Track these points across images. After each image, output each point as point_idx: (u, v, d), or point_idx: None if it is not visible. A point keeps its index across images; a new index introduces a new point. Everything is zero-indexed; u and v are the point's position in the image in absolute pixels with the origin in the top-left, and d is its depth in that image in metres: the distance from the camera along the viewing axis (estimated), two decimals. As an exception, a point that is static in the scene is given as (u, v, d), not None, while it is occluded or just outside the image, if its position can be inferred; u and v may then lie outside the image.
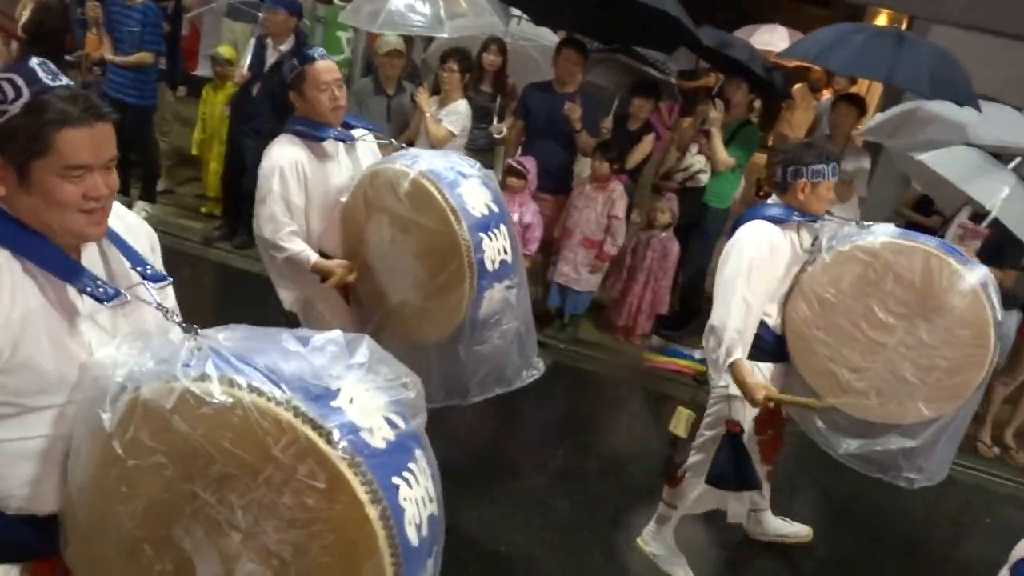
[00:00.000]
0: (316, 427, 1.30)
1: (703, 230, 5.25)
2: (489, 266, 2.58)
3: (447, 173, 2.59)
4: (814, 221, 2.90)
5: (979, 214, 4.30)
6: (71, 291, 1.50)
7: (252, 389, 1.31)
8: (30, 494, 1.52)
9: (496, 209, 2.65)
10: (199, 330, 1.44)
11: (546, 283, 5.37)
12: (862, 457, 2.92)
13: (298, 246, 2.86)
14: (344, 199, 2.89)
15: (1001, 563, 2.02)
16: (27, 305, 1.44)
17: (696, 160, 5.09)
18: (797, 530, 3.62)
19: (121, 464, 1.38)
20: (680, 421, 3.03)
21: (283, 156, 2.83)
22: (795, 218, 2.86)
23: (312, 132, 2.87)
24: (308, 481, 1.30)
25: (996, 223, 4.16)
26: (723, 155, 4.99)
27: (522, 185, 4.85)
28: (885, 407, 2.83)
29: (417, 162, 2.62)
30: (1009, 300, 5.20)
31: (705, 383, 4.91)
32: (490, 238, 2.59)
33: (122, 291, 1.51)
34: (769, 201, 3.03)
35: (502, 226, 2.64)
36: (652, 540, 3.33)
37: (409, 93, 5.14)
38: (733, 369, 2.74)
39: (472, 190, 2.60)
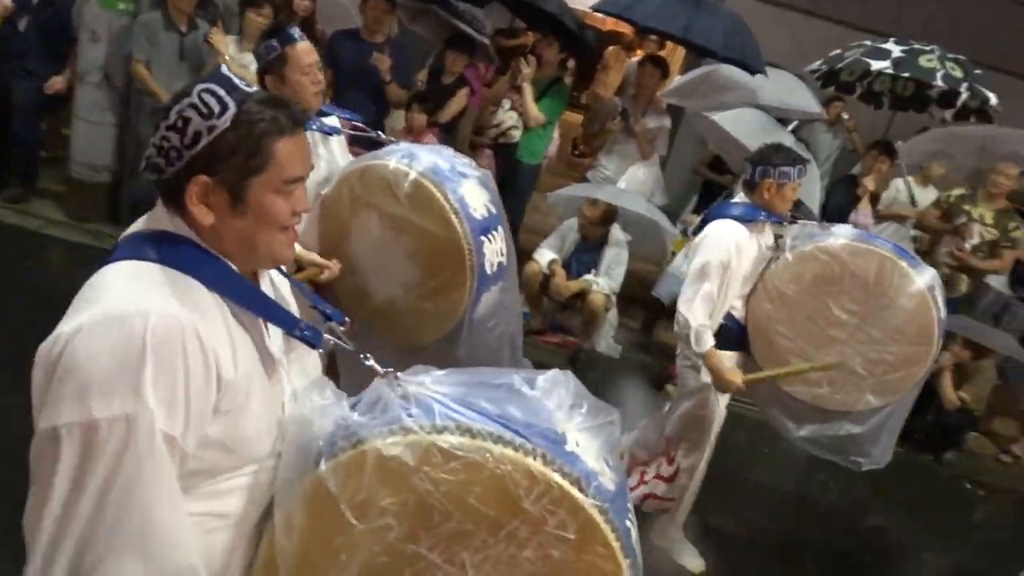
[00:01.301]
0: (566, 475, 1.21)
1: (516, 187, 5.31)
2: (488, 269, 2.53)
3: (448, 173, 2.49)
4: (780, 221, 3.00)
5: (764, 172, 4.66)
6: (267, 337, 1.30)
7: (497, 439, 1.21)
8: (220, 568, 1.28)
9: (494, 211, 2.59)
10: (398, 375, 1.29)
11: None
12: (814, 441, 3.13)
13: None
14: (325, 192, 2.71)
15: (783, 488, 2.20)
16: (247, 359, 1.23)
17: (508, 116, 5.12)
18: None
19: (349, 530, 1.22)
20: None
21: None
22: (761, 217, 2.95)
23: None
24: (557, 532, 1.21)
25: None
26: (534, 111, 5.06)
27: (331, 137, 4.67)
28: (836, 396, 3.02)
29: (416, 160, 2.49)
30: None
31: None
32: (489, 241, 2.53)
33: (323, 334, 1.36)
34: (735, 199, 3.13)
35: (500, 228, 2.59)
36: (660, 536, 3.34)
37: (203, 32, 4.76)
38: (707, 359, 2.87)
39: (472, 191, 2.52)
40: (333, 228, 2.73)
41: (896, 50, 5.03)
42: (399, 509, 1.22)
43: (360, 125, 2.95)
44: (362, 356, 1.38)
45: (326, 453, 1.23)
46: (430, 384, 1.27)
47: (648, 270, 5.95)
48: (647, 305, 5.56)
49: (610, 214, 4.91)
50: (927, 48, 5.06)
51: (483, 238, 2.50)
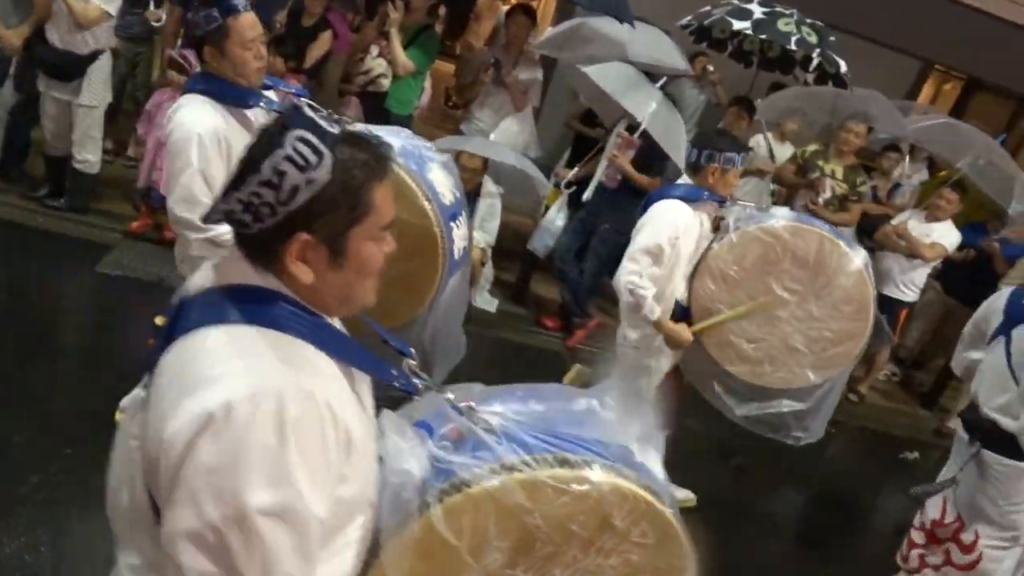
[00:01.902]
0: (646, 488, 1.33)
1: (386, 137, 5.15)
2: (456, 255, 2.53)
3: (416, 158, 2.46)
4: (722, 203, 3.04)
5: (633, 126, 4.72)
6: (358, 386, 1.24)
7: (591, 464, 1.29)
8: None
9: (459, 195, 2.59)
10: (473, 405, 1.32)
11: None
12: (756, 419, 3.18)
13: (221, 227, 2.43)
14: None
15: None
16: (362, 419, 1.19)
17: (376, 63, 4.93)
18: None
19: (464, 570, 1.26)
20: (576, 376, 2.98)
21: (200, 123, 2.42)
22: (704, 197, 2.99)
23: (237, 97, 2.50)
24: (640, 540, 1.34)
25: (646, 134, 4.59)
26: (402, 58, 4.89)
27: (184, 80, 4.34)
28: (777, 374, 3.08)
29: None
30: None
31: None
32: (456, 226, 2.53)
33: (413, 379, 1.35)
34: (680, 181, 3.15)
35: (464, 213, 2.59)
36: None
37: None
38: (657, 324, 3.00)
39: (439, 176, 2.51)
40: None
41: (758, 11, 5.16)
42: (509, 544, 1.28)
43: (309, 101, 2.74)
44: (438, 391, 1.37)
45: (432, 497, 1.24)
46: (508, 414, 1.33)
47: (522, 223, 5.96)
48: (522, 258, 5.57)
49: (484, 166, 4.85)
50: (787, 12, 5.22)
51: (452, 224, 2.51)
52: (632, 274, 2.96)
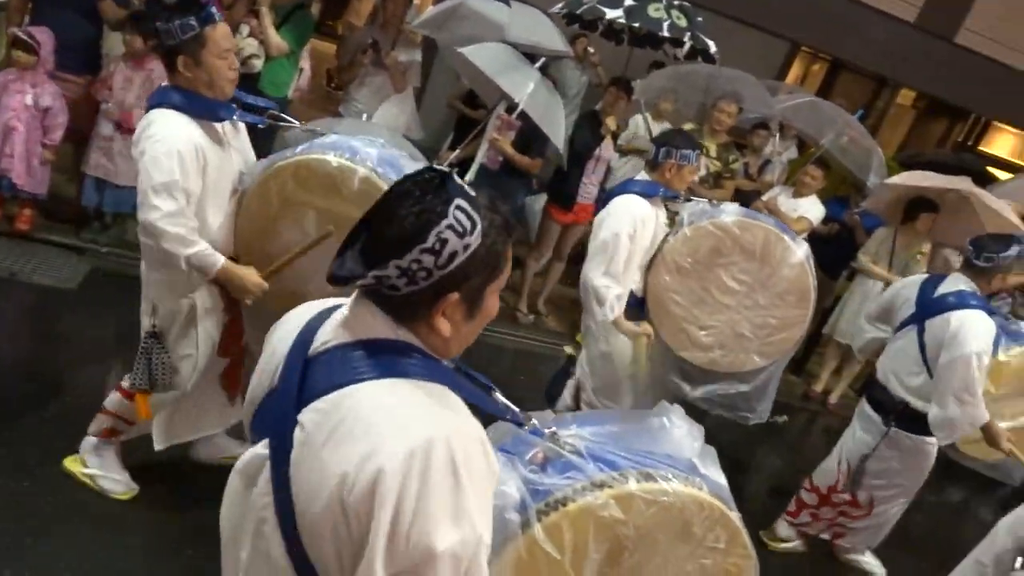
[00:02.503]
0: (718, 497, 1.49)
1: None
2: None
3: (394, 166, 2.52)
4: (676, 198, 3.26)
5: (513, 107, 4.73)
6: None
7: (670, 478, 1.44)
8: None
9: None
10: (556, 430, 1.46)
11: (80, 177, 4.66)
12: (709, 400, 3.44)
13: (203, 245, 2.46)
14: (243, 189, 2.60)
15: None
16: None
17: (247, 43, 4.74)
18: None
19: None
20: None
21: (178, 137, 2.37)
22: (661, 193, 3.18)
23: (209, 110, 2.46)
24: (712, 545, 1.49)
25: (526, 115, 4.61)
26: (275, 38, 4.73)
27: (32, 61, 4.08)
28: (726, 359, 3.33)
29: (357, 154, 2.49)
30: (540, 186, 5.93)
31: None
32: None
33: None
34: (638, 176, 3.30)
35: None
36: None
37: None
38: (617, 323, 3.15)
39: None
40: (255, 228, 2.59)
41: (628, -1, 5.29)
42: (600, 556, 1.41)
43: (279, 114, 2.79)
44: (518, 420, 1.47)
45: (532, 516, 1.37)
46: (587, 435, 1.47)
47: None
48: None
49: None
50: (656, -5, 5.36)
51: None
52: (596, 273, 3.12)
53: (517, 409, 1.49)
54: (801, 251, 3.30)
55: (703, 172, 5.50)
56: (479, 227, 1.15)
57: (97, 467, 2.91)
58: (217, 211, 2.57)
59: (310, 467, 1.11)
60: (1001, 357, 3.38)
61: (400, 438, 1.08)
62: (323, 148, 2.53)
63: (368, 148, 2.55)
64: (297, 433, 1.14)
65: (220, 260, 2.51)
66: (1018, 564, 2.15)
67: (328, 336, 1.20)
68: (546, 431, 1.46)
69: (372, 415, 1.10)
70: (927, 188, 5.00)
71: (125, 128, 4.41)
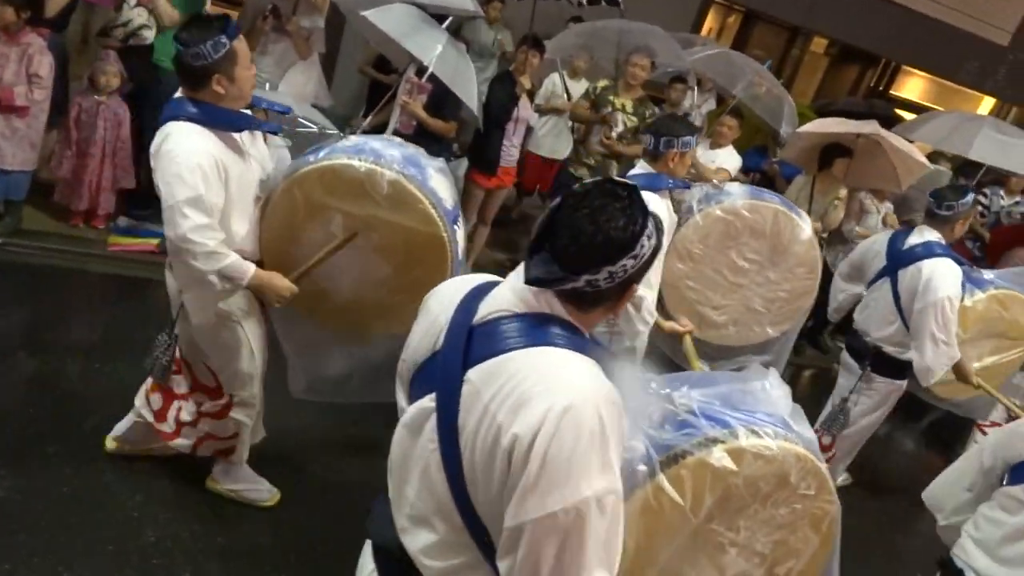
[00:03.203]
0: (811, 451, 1.68)
1: (158, 96, 4.72)
2: (459, 255, 2.66)
3: (416, 167, 2.57)
4: (686, 187, 3.26)
5: (422, 70, 4.61)
6: None
7: (773, 435, 1.64)
8: None
9: (455, 198, 2.74)
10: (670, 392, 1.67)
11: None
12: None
13: (233, 256, 2.45)
14: (268, 196, 2.61)
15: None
16: None
17: (136, 14, 4.49)
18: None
19: (685, 526, 1.60)
20: None
21: (198, 151, 2.34)
22: (669, 184, 3.12)
23: (229, 122, 2.44)
24: (804, 492, 1.68)
25: (435, 78, 4.50)
26: (165, 7, 4.48)
27: None
28: (740, 333, 3.46)
29: (382, 157, 2.52)
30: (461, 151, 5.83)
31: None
32: (457, 228, 2.65)
33: None
34: (639, 170, 3.18)
35: (461, 215, 2.74)
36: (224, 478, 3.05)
37: None
38: (658, 325, 3.17)
39: (439, 182, 2.63)
40: (280, 233, 2.61)
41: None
42: (712, 502, 1.60)
43: (298, 118, 2.84)
44: (643, 383, 1.72)
45: (656, 467, 1.56)
46: (697, 396, 1.66)
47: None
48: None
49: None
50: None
51: (454, 227, 2.62)
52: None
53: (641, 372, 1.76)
54: (808, 227, 3.41)
55: (620, 128, 5.49)
56: (654, 229, 1.35)
57: (233, 483, 3.00)
58: (242, 220, 2.56)
59: (479, 420, 1.28)
60: (967, 302, 3.60)
61: (557, 396, 1.23)
62: (347, 152, 2.55)
63: (391, 150, 2.59)
64: (465, 389, 1.31)
65: (251, 269, 2.52)
66: (1005, 482, 2.31)
67: (492, 308, 1.37)
68: (663, 392, 1.67)
69: (533, 377, 1.26)
70: (839, 134, 5.08)
71: (5, 106, 4.13)
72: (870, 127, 4.92)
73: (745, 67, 5.84)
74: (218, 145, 2.41)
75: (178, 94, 2.46)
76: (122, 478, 2.98)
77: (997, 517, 2.29)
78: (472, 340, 1.34)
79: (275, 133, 2.69)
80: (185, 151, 2.33)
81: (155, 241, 4.73)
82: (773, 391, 1.76)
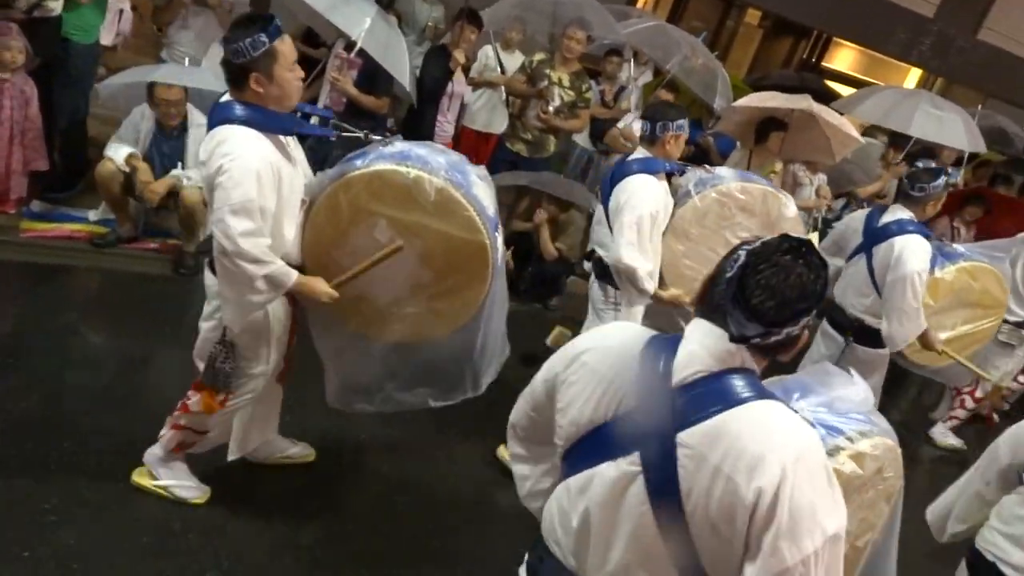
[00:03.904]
0: (894, 439, 1.93)
1: (70, 70, 4.48)
2: (499, 262, 2.69)
3: (460, 174, 2.61)
4: (682, 171, 3.49)
5: (351, 45, 4.46)
6: None
7: (873, 432, 1.88)
8: None
9: (496, 205, 2.77)
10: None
11: None
12: None
13: (278, 263, 2.47)
14: (312, 199, 2.62)
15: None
16: None
17: (41, -17, 4.21)
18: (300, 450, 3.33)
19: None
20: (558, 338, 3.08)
21: (255, 156, 2.36)
22: (667, 168, 3.34)
23: (280, 125, 2.47)
24: (886, 475, 1.91)
25: (364, 53, 4.36)
26: (73, -23, 4.22)
27: None
28: None
29: (427, 164, 2.56)
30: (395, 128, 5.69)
31: (105, 245, 4.47)
32: (497, 235, 2.68)
33: None
34: (638, 155, 3.38)
35: (500, 222, 2.78)
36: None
37: None
38: (656, 296, 3.35)
39: (482, 189, 2.67)
40: (324, 237, 2.63)
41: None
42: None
43: (341, 123, 2.85)
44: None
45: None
46: (806, 406, 1.83)
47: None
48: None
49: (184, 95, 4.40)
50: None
51: (496, 233, 2.67)
52: (628, 252, 3.23)
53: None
54: (793, 205, 3.67)
55: (557, 102, 5.42)
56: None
57: (169, 478, 2.89)
58: (291, 223, 2.58)
59: (711, 480, 1.35)
60: (937, 274, 3.90)
61: (787, 449, 1.33)
62: (393, 159, 2.57)
63: (437, 157, 2.62)
64: (682, 452, 1.37)
65: (294, 275, 2.53)
66: None
67: (689, 370, 1.42)
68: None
69: (759, 435, 1.34)
70: (774, 108, 5.12)
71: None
72: (804, 102, 4.97)
73: (680, 41, 5.82)
74: (272, 150, 2.42)
75: (224, 97, 2.46)
76: (37, 480, 2.83)
77: None
78: (675, 403, 1.40)
79: (329, 138, 2.72)
80: (242, 156, 2.34)
81: (71, 226, 4.51)
82: (861, 391, 1.94)
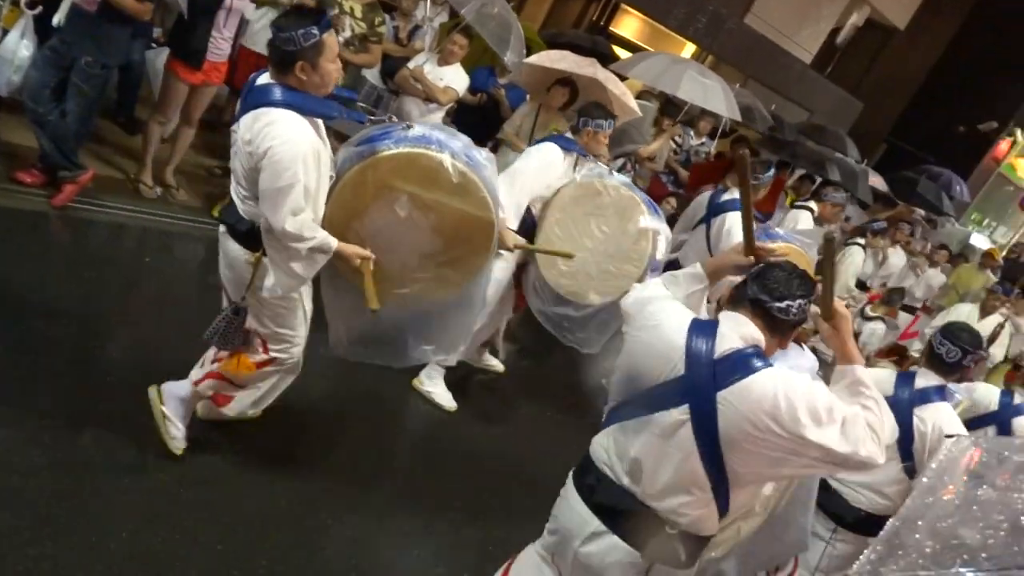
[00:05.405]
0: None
1: None
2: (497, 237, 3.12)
3: (476, 157, 2.92)
4: (585, 156, 4.11)
5: None
6: None
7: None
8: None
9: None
10: None
11: None
12: (543, 314, 4.11)
13: (320, 232, 2.69)
14: (339, 175, 2.81)
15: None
16: None
17: None
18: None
19: None
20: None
21: (303, 141, 2.56)
22: (575, 151, 4.08)
23: (320, 109, 2.65)
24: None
25: None
26: None
27: None
28: (570, 288, 3.93)
29: (447, 147, 2.84)
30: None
31: None
32: (500, 213, 3.09)
33: None
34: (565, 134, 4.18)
35: (500, 201, 3.12)
36: None
37: None
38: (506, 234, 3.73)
39: (492, 172, 3.00)
40: (346, 209, 2.82)
41: None
42: None
43: (368, 107, 2.93)
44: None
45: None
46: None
47: None
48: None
49: None
50: None
51: (499, 211, 3.04)
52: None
53: None
54: (647, 220, 3.84)
55: (348, 33, 5.13)
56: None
57: (173, 413, 3.02)
58: (323, 197, 2.76)
59: (739, 423, 1.96)
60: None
61: (779, 388, 1.94)
62: (419, 142, 2.82)
63: (453, 141, 2.89)
64: (722, 405, 1.98)
65: (334, 242, 2.73)
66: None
67: (726, 346, 2.01)
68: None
69: (770, 392, 1.94)
70: (563, 71, 5.23)
71: None
72: (592, 68, 5.14)
73: (479, -13, 5.70)
74: (313, 132, 2.61)
75: (262, 79, 2.61)
76: None
77: None
78: (716, 370, 1.99)
79: (361, 122, 2.91)
80: (292, 140, 2.51)
81: None
82: (807, 362, 2.59)
